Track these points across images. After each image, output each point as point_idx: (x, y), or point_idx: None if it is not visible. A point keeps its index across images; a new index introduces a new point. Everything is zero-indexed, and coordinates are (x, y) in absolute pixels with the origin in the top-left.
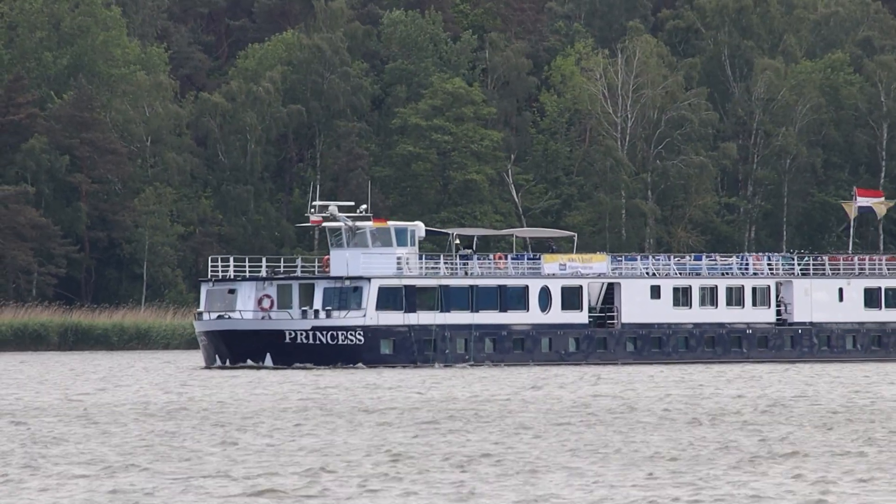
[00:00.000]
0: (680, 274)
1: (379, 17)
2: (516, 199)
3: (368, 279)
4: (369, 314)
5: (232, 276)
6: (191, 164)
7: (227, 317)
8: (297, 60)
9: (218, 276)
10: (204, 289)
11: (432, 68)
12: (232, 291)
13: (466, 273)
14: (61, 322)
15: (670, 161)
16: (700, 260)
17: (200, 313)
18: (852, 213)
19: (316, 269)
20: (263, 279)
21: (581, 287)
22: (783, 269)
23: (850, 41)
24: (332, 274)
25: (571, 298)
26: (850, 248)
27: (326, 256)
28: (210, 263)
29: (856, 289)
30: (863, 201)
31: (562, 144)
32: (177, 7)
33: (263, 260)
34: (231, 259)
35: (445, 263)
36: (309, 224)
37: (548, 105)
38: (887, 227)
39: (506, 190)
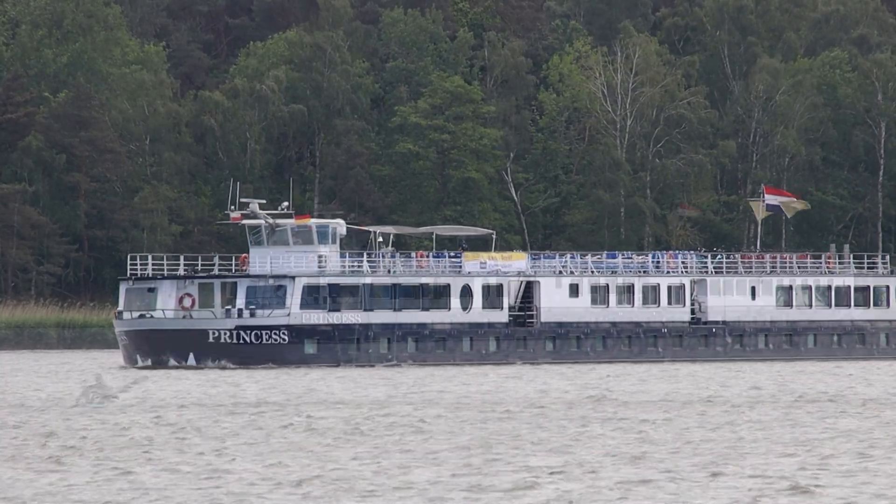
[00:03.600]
0: (596, 272)
1: (379, 16)
2: (515, 198)
3: (293, 277)
4: (293, 313)
5: (150, 275)
6: (189, 163)
7: (148, 316)
8: (298, 59)
9: (137, 274)
10: (123, 287)
11: (431, 67)
12: (151, 290)
13: (389, 271)
14: (57, 319)
15: (669, 159)
16: (615, 258)
17: (120, 312)
18: (761, 212)
19: (233, 267)
20: (184, 278)
21: (501, 285)
22: (697, 268)
23: (847, 40)
24: (252, 272)
25: (492, 297)
26: (759, 247)
27: (244, 255)
28: (129, 262)
29: (767, 287)
30: (771, 199)
31: (561, 143)
32: (176, 4)
33: (182, 258)
34: (150, 257)
35: (369, 261)
36: (228, 221)
37: (547, 103)
38: (886, 225)
39: (505, 188)
